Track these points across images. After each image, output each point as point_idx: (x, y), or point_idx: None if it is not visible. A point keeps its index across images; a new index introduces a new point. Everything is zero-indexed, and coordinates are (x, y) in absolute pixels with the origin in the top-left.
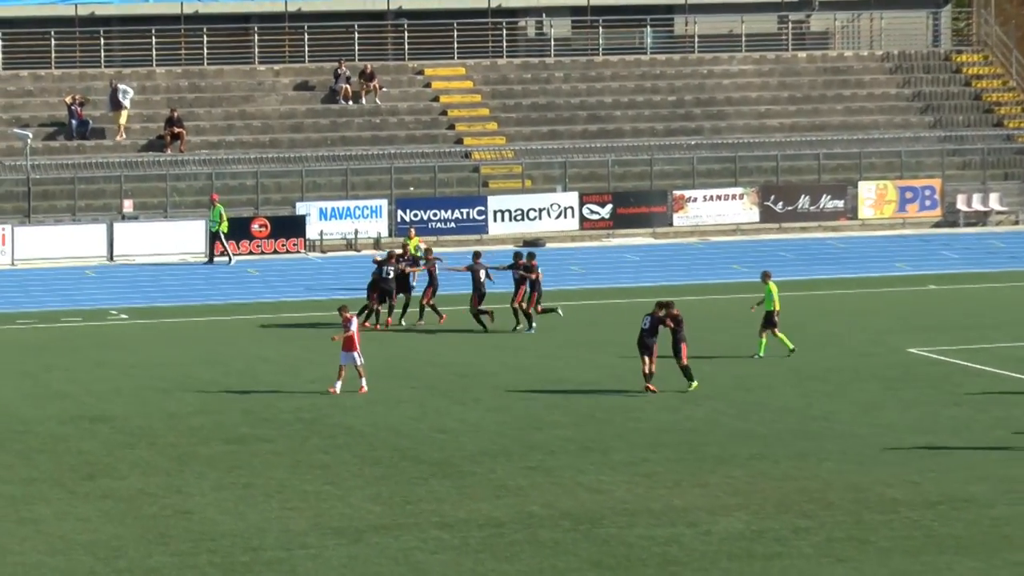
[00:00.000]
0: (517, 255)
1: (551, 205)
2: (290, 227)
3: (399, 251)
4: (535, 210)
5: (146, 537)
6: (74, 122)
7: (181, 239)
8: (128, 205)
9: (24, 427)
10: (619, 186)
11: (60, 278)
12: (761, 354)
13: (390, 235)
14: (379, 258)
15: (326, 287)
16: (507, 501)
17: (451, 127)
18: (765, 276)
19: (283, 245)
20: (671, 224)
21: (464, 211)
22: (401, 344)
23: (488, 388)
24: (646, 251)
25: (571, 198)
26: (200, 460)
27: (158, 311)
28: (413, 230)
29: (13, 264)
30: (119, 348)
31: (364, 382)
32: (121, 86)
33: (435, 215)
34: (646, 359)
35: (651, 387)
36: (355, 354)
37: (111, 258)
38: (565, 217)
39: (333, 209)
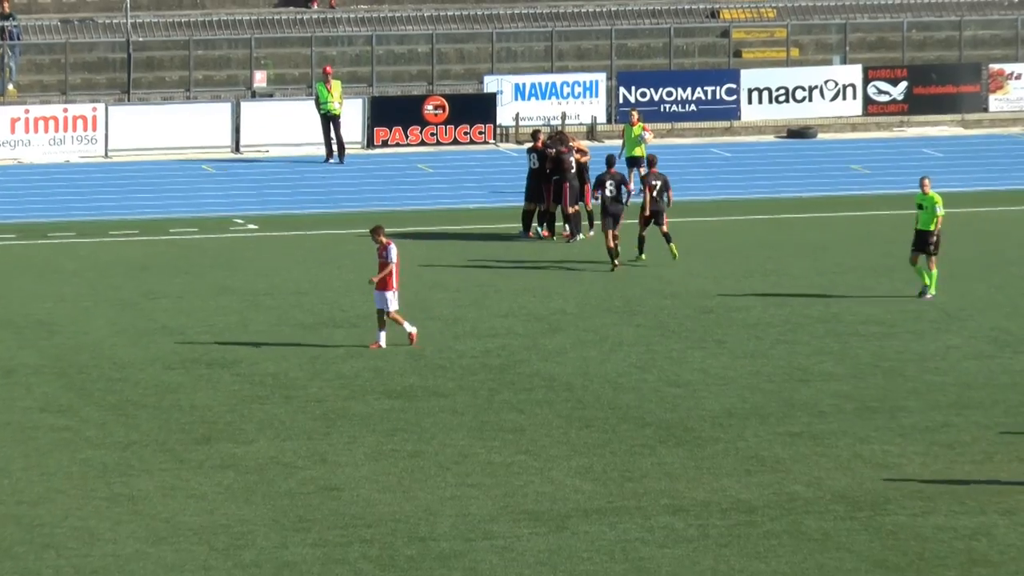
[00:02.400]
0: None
1: (825, 82)
2: (475, 109)
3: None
4: (803, 89)
5: (280, 521)
6: None
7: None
8: (260, 78)
9: (121, 373)
10: (917, 57)
11: (168, 175)
12: (933, 291)
13: (609, 121)
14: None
15: (521, 189)
16: (761, 479)
17: None
18: (924, 184)
19: (465, 133)
20: (986, 108)
21: (708, 89)
22: (621, 267)
23: (738, 327)
24: (952, 145)
25: (852, 73)
26: (353, 419)
27: (298, 220)
28: (636, 113)
29: (107, 156)
30: (246, 269)
31: (408, 327)
32: None
33: (669, 94)
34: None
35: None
36: (388, 295)
37: (237, 149)
38: (844, 98)
39: (533, 85)
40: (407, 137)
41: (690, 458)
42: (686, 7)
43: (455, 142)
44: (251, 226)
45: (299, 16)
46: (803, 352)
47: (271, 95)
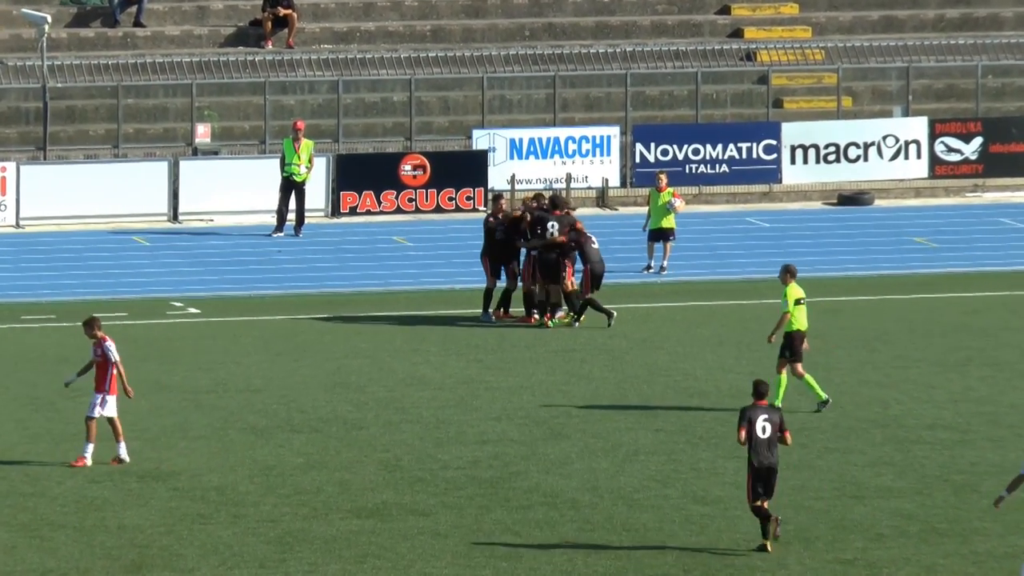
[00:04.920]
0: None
1: (884, 138)
2: (462, 169)
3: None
4: (857, 146)
5: None
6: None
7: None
8: (203, 132)
9: (34, 487)
10: (993, 108)
11: (92, 249)
12: (778, 401)
13: (623, 184)
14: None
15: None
16: None
17: (724, 11)
18: (786, 274)
19: (450, 198)
20: None
21: (744, 147)
22: (636, 359)
23: None
24: None
25: (916, 127)
26: (314, 543)
27: (248, 304)
28: (664, 176)
29: (18, 226)
30: (186, 362)
31: (88, 451)
32: None
33: (696, 153)
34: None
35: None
36: (101, 399)
37: (174, 217)
38: (906, 158)
39: (532, 141)
40: (380, 203)
41: None
42: (716, 47)
43: (438, 209)
44: (192, 310)
45: (250, 57)
46: (857, 463)
47: (216, 152)
